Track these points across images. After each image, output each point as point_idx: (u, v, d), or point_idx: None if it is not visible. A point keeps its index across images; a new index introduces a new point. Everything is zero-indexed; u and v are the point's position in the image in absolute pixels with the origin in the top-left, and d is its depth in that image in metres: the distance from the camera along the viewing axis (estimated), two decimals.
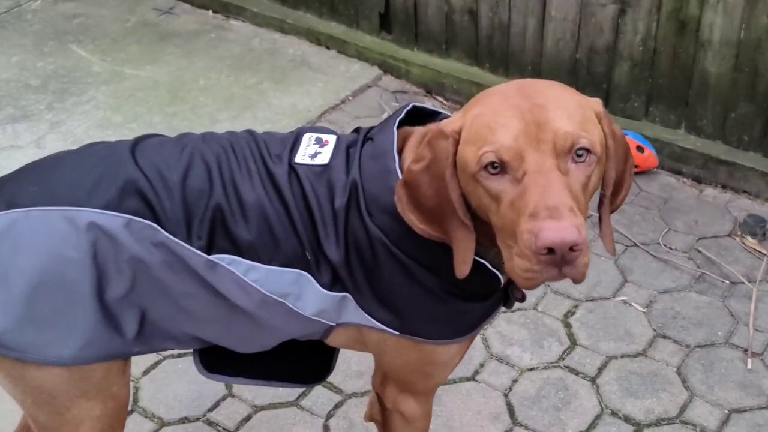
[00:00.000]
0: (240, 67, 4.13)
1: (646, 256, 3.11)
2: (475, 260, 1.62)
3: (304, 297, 1.72)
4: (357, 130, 1.82)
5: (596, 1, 3.50)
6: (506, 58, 3.87)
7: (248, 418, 2.56)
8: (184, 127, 3.68)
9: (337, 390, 2.63)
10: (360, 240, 1.67)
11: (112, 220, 1.63)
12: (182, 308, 1.74)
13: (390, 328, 1.73)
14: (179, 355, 2.73)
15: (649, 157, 3.48)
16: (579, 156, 1.46)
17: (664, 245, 3.16)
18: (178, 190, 1.68)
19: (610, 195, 1.59)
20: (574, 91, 1.56)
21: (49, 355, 1.64)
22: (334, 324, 1.78)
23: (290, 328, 1.79)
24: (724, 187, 3.45)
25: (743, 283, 2.97)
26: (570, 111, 1.48)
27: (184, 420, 2.56)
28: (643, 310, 2.90)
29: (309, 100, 3.87)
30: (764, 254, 3.09)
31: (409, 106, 1.77)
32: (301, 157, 1.74)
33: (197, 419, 2.56)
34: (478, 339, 2.79)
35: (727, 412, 2.55)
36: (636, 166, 3.48)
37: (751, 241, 3.17)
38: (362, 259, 1.68)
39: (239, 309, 1.73)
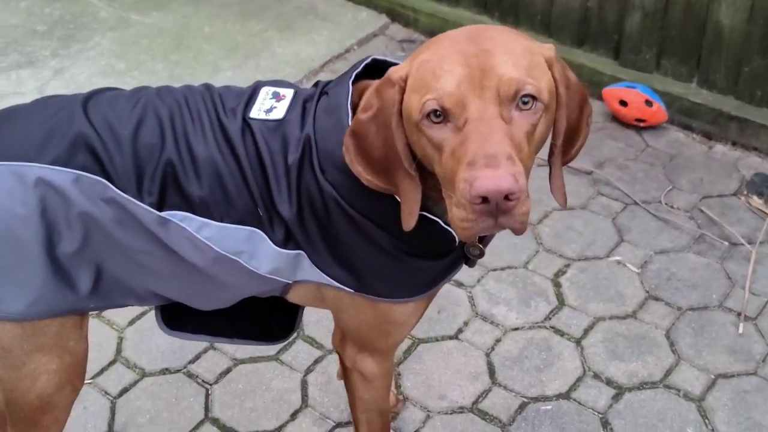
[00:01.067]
0: (246, 14, 4.08)
1: (646, 215, 3.04)
2: (426, 216, 1.58)
3: (258, 255, 1.70)
4: (316, 84, 1.77)
5: None
6: (515, 7, 3.77)
7: (228, 371, 2.56)
8: (187, 75, 3.65)
9: (318, 345, 2.63)
10: (313, 196, 1.64)
11: (61, 176, 1.61)
12: (138, 264, 1.72)
13: (345, 286, 1.71)
14: None
15: (658, 111, 3.38)
16: (524, 103, 1.40)
17: (666, 204, 3.08)
18: (128, 145, 1.65)
19: (561, 145, 1.53)
20: (527, 37, 1.50)
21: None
22: (290, 282, 1.76)
23: (247, 286, 1.77)
24: (734, 143, 3.35)
25: (743, 244, 2.89)
26: (516, 56, 1.42)
27: (165, 371, 2.57)
28: (637, 271, 2.84)
29: (313, 49, 3.81)
30: None
31: (369, 59, 1.72)
32: (257, 111, 1.70)
33: (177, 371, 2.57)
34: (463, 296, 2.75)
35: (713, 377, 2.50)
36: (644, 121, 3.40)
37: (756, 200, 3.08)
38: (316, 216, 1.65)
39: (193, 265, 1.71)
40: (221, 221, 1.67)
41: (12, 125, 1.68)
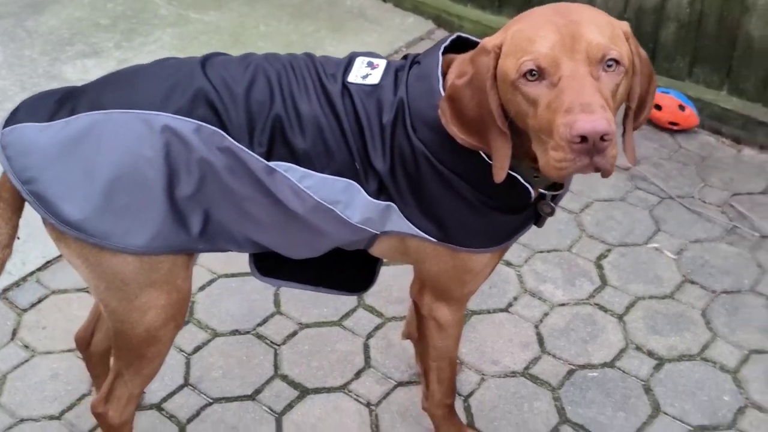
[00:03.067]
0: (299, 15, 4.31)
1: (680, 209, 3.23)
2: (509, 173, 1.78)
3: (353, 205, 1.89)
4: (405, 57, 1.98)
5: None
6: None
7: (294, 333, 2.75)
8: None
9: (378, 313, 2.81)
10: (405, 153, 1.83)
11: (184, 124, 1.80)
12: (242, 211, 1.91)
13: (430, 236, 1.90)
14: (232, 275, 2.94)
15: (690, 115, 3.58)
16: (609, 66, 1.61)
17: (699, 199, 3.28)
18: (242, 101, 1.85)
19: (634, 109, 1.73)
20: (605, 13, 1.71)
21: (124, 243, 1.82)
22: (378, 232, 1.95)
23: (339, 235, 1.96)
24: (761, 147, 3.55)
25: None
26: (601, 27, 1.63)
27: (235, 332, 2.76)
28: (674, 257, 3.03)
29: (364, 49, 3.99)
30: None
31: (455, 36, 1.92)
32: (354, 77, 1.90)
33: (247, 332, 2.76)
34: (512, 274, 2.94)
35: (746, 352, 2.68)
36: (677, 124, 3.60)
37: None
38: (406, 171, 1.84)
39: (293, 214, 1.90)
40: (321, 172, 1.86)
41: (139, 80, 1.88)
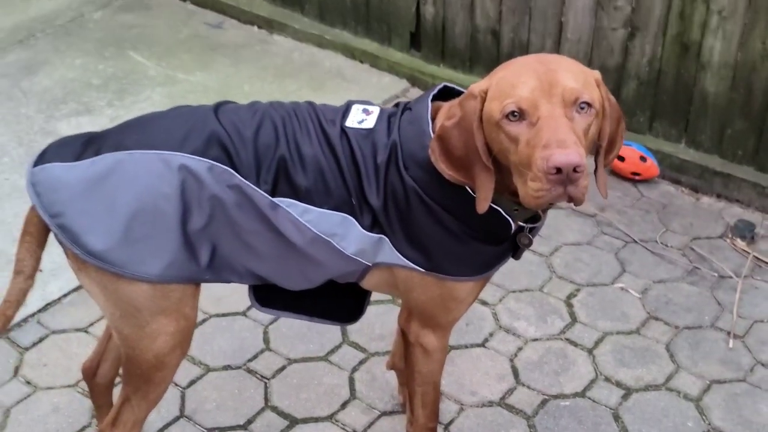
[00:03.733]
0: (282, 75, 4.54)
1: (644, 252, 3.46)
2: (491, 206, 1.98)
3: (348, 237, 2.08)
4: (397, 105, 2.19)
5: (608, 25, 3.88)
6: None
7: (283, 368, 2.91)
8: None
9: (362, 349, 2.98)
10: (396, 189, 2.03)
11: (199, 164, 1.99)
12: (246, 244, 2.09)
13: (418, 266, 2.09)
14: (223, 314, 3.09)
15: (651, 166, 3.84)
16: (581, 108, 1.84)
17: (661, 243, 3.50)
18: (251, 143, 2.05)
19: (605, 148, 1.95)
20: (580, 63, 1.94)
21: (141, 272, 2.00)
22: (370, 264, 2.14)
23: (334, 265, 2.14)
24: (719, 196, 3.79)
25: (731, 277, 3.31)
26: (576, 74, 1.86)
27: (227, 367, 2.91)
28: (639, 296, 3.24)
29: None
30: (750, 254, 3.43)
31: (441, 86, 2.15)
32: (351, 122, 2.11)
33: (238, 367, 2.91)
34: (487, 312, 3.14)
35: (708, 382, 2.88)
36: (639, 174, 3.84)
37: (740, 243, 3.51)
38: (397, 206, 2.04)
39: (293, 246, 2.08)
40: (320, 207, 2.05)
41: (158, 124, 2.08)
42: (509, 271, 3.28)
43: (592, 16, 3.91)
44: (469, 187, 1.99)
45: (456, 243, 2.06)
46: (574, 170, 1.74)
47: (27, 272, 2.12)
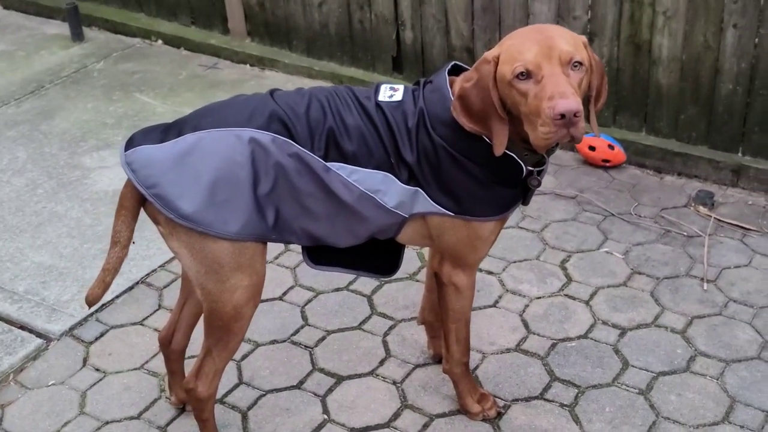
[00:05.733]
0: None
1: (622, 222, 3.93)
2: (506, 153, 2.43)
3: (389, 192, 2.50)
4: (417, 82, 2.65)
5: None
6: None
7: (323, 338, 3.30)
8: None
9: (390, 318, 3.39)
10: (427, 147, 2.47)
11: (264, 136, 2.42)
12: (304, 207, 2.50)
13: (449, 210, 2.52)
14: (263, 301, 3.48)
15: (618, 153, 4.34)
16: (575, 67, 2.30)
17: (635, 214, 3.98)
18: (304, 118, 2.48)
19: (594, 96, 2.42)
20: (569, 30, 2.42)
21: (224, 230, 2.40)
22: (407, 216, 2.57)
23: (377, 219, 2.56)
24: (679, 174, 4.30)
25: (699, 235, 3.79)
26: (568, 39, 2.33)
27: (274, 341, 3.30)
28: (622, 257, 3.70)
29: None
30: (712, 216, 3.92)
31: (452, 63, 2.61)
32: (382, 97, 2.55)
33: (284, 341, 3.30)
34: (494, 280, 3.57)
35: (690, 318, 3.34)
36: (608, 161, 4.34)
37: (702, 209, 4.00)
38: (429, 161, 2.48)
39: (343, 204, 2.50)
40: (365, 168, 2.48)
41: (226, 108, 2.50)
42: (509, 247, 3.74)
43: None
44: (487, 137, 2.44)
45: (479, 187, 2.50)
46: (575, 115, 2.20)
47: (123, 242, 2.51)
